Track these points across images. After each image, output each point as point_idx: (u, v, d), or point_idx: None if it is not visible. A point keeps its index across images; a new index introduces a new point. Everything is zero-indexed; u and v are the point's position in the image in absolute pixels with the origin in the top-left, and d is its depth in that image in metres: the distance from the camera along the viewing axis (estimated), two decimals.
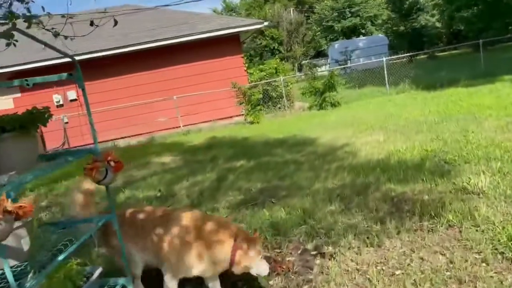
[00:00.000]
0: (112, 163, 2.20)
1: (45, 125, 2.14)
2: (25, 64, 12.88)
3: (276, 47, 42.12)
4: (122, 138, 13.63)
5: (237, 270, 2.64)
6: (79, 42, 13.94)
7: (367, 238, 3.46)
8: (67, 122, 13.62)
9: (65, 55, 2.29)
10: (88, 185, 2.85)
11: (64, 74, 2.18)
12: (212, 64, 14.36)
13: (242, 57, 15.13)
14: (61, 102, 13.88)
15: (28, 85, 1.92)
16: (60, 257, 1.83)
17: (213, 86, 13.94)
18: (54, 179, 8.29)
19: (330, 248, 3.40)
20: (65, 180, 7.99)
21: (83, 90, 2.28)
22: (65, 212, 5.86)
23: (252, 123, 13.02)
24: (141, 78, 14.04)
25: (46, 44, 2.12)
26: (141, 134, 13.70)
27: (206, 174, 6.65)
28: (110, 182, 2.24)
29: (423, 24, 42.13)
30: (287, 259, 3.33)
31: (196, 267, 2.63)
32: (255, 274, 2.74)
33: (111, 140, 13.51)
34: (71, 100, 13.95)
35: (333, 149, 7.05)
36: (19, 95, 13.64)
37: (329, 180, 5.22)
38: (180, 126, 13.70)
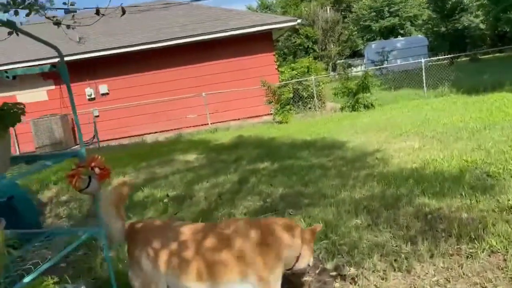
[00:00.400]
0: (96, 170, 1.94)
1: (13, 125, 1.89)
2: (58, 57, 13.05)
3: (310, 46, 41.40)
4: (151, 133, 13.63)
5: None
6: (111, 37, 14.10)
7: (395, 260, 3.08)
8: (97, 116, 13.75)
9: (50, 46, 2.06)
10: (121, 188, 2.35)
11: (47, 66, 1.95)
12: (243, 61, 14.13)
13: (274, 55, 14.82)
14: (92, 96, 14.03)
15: (8, 77, 1.70)
16: (27, 278, 1.59)
17: (243, 84, 13.70)
18: None
19: (352, 269, 3.05)
20: None
21: (67, 84, 2.04)
22: (82, 209, 5.76)
23: (280, 122, 12.69)
24: (171, 73, 13.99)
25: (31, 36, 1.90)
26: (169, 130, 13.66)
27: (228, 175, 6.39)
28: (94, 191, 1.99)
29: (466, 25, 40.32)
30: (303, 279, 3.00)
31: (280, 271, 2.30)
32: None
33: (140, 135, 13.55)
34: (103, 94, 14.08)
35: (363, 154, 6.62)
36: (53, 87, 13.91)
37: (356, 190, 4.83)
38: (208, 124, 13.55)
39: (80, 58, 13.16)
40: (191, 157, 8.54)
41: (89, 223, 5.04)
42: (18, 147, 13.45)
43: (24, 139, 13.18)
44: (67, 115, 13.53)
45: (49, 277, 2.04)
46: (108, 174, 1.99)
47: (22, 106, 1.88)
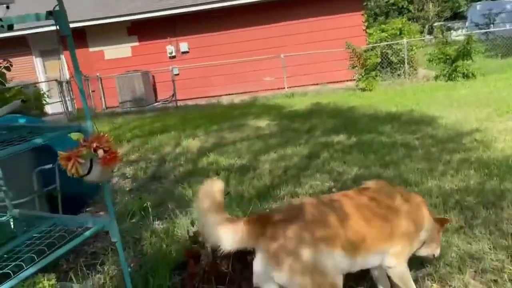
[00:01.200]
0: (100, 152, 1.53)
1: None
2: (142, 13, 13.22)
3: (405, 6, 37.89)
4: (227, 95, 13.41)
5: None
6: None
7: (495, 281, 2.39)
8: (177, 74, 13.82)
9: None
10: (216, 186, 1.90)
11: (43, 13, 1.55)
12: (326, 21, 13.11)
13: (363, 14, 13.53)
14: (173, 54, 14.10)
15: (2, 26, 1.34)
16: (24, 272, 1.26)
17: (325, 46, 12.73)
18: (151, 132, 8.33)
19: (435, 286, 2.42)
20: (161, 134, 7.93)
21: (69, 36, 1.62)
22: (148, 171, 5.66)
23: (364, 90, 11.66)
24: (251, 33, 13.47)
25: None
26: (246, 92, 13.31)
27: (297, 147, 5.86)
28: (97, 180, 1.59)
29: None
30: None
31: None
32: None
33: (216, 96, 13.41)
34: (183, 52, 14.08)
35: (458, 134, 5.64)
36: (137, 44, 14.20)
37: (447, 178, 4.03)
38: (284, 88, 12.94)
39: (161, 15, 13.18)
40: (263, 123, 8.11)
41: (152, 187, 4.91)
42: (105, 101, 14.12)
43: (110, 94, 13.77)
44: (149, 72, 13.80)
45: (44, 277, 1.74)
46: (114, 159, 1.57)
47: (8, 65, 1.51)
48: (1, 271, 1.42)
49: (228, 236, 1.79)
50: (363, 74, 12.24)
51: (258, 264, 1.82)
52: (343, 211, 1.99)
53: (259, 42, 13.32)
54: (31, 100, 11.15)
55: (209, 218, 1.77)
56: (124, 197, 4.63)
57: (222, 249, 1.80)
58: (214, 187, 1.82)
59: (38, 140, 1.38)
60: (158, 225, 3.63)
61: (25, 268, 1.41)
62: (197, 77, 13.79)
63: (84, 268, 2.72)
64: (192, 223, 2.75)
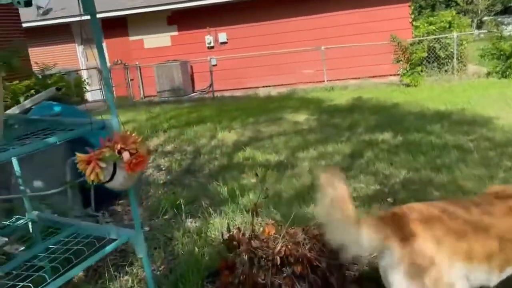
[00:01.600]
0: (125, 155, 1.30)
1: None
2: (182, 3, 13.13)
3: None
4: (264, 87, 13.14)
5: None
6: None
7: None
8: (215, 65, 13.67)
9: None
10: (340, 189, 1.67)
11: None
12: (370, 13, 12.53)
13: (409, 6, 12.84)
14: (212, 44, 13.95)
15: (19, 2, 1.16)
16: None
17: (368, 39, 12.18)
18: (187, 123, 8.21)
19: None
20: (197, 125, 7.80)
21: (92, 15, 1.41)
22: (182, 163, 5.51)
23: (408, 85, 11.06)
24: (289, 24, 13.09)
25: None
26: (283, 84, 12.99)
27: (338, 144, 5.54)
28: (120, 187, 1.36)
29: None
30: None
31: None
32: None
33: (253, 88, 13.18)
34: (222, 43, 13.91)
35: None
36: (176, 33, 14.15)
37: None
38: (324, 81, 12.51)
39: (201, 5, 13.05)
40: (301, 117, 7.80)
41: (185, 181, 4.75)
42: (143, 90, 14.20)
43: (148, 82, 13.82)
44: (187, 62, 13.74)
45: None
46: (141, 163, 1.32)
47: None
48: (22, 283, 1.25)
49: (371, 236, 1.53)
50: (408, 69, 11.61)
51: (394, 272, 1.56)
52: (495, 221, 1.75)
53: (299, 34, 12.93)
54: (72, 87, 11.32)
55: (341, 214, 1.52)
56: (157, 190, 4.50)
57: (357, 252, 1.56)
58: (338, 177, 1.58)
59: (53, 140, 1.19)
60: (190, 223, 3.46)
61: (48, 282, 1.23)
62: (234, 68, 13.60)
63: (111, 269, 2.57)
64: (228, 228, 2.52)
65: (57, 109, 3.58)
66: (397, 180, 4.03)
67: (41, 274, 1.25)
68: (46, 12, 14.19)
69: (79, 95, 12.58)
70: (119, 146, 1.29)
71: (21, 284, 1.26)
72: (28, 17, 12.96)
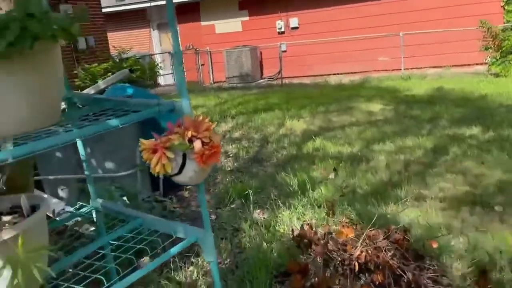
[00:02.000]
0: (197, 145, 1.11)
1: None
2: None
3: None
4: (335, 74, 12.64)
5: None
6: None
7: None
8: (284, 51, 13.39)
9: None
10: None
11: None
12: None
13: None
14: (282, 29, 13.67)
15: None
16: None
17: (452, 24, 11.17)
18: (255, 109, 8.07)
19: None
20: (265, 112, 7.63)
21: (168, 0, 1.21)
22: (250, 151, 5.38)
23: (497, 75, 10.00)
24: (364, 9, 12.39)
25: None
26: (356, 72, 12.38)
27: (419, 138, 5.06)
28: (190, 181, 1.16)
29: None
30: None
31: None
32: None
33: (323, 75, 12.73)
34: (293, 28, 13.57)
35: None
36: (247, 18, 14.04)
37: None
38: (401, 69, 11.71)
39: None
40: (375, 107, 7.32)
41: (253, 170, 4.60)
42: (213, 76, 14.34)
43: (218, 68, 13.92)
44: (257, 48, 13.60)
45: None
46: (214, 155, 1.13)
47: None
48: (89, 279, 1.14)
49: None
50: (497, 58, 10.48)
51: None
52: None
53: (376, 19, 12.19)
54: (146, 71, 11.69)
55: None
56: (225, 177, 4.40)
57: None
58: None
59: (114, 122, 1.04)
60: (258, 214, 3.29)
61: (112, 282, 1.10)
62: (304, 54, 13.21)
63: (177, 258, 2.47)
64: (302, 226, 2.30)
65: (129, 91, 3.58)
66: (490, 182, 3.55)
67: (98, 277, 1.12)
68: None
69: (152, 79, 13.00)
70: (190, 134, 1.11)
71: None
72: (108, 3, 13.56)
